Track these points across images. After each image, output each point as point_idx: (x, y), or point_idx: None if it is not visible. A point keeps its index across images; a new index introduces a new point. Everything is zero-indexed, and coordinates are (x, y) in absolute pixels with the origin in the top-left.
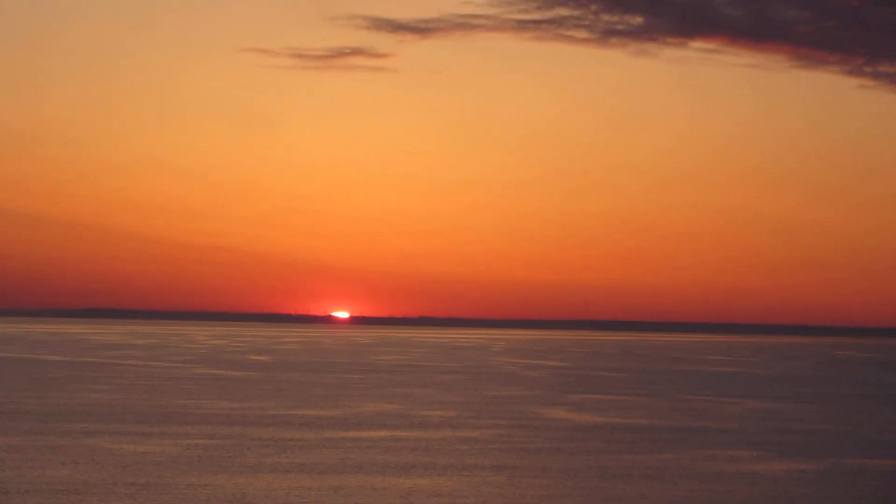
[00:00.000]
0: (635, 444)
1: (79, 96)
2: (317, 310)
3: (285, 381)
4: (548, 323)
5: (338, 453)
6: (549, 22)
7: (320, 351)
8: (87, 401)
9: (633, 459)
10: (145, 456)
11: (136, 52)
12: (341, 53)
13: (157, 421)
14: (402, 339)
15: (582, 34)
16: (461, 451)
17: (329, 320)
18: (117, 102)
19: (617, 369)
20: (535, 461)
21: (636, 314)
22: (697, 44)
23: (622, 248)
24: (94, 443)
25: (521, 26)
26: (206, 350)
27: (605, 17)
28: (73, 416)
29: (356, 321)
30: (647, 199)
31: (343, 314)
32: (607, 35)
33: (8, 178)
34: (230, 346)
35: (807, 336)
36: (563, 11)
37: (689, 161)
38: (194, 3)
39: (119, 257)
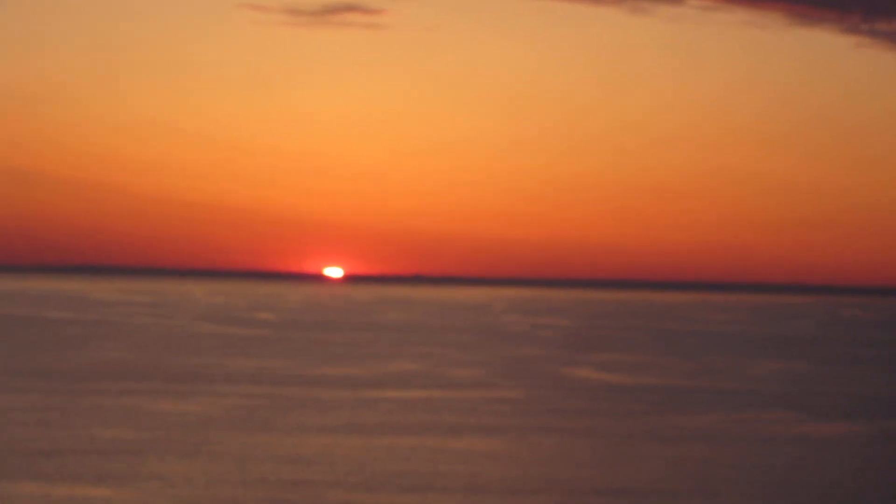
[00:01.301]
0: (676, 406)
1: (77, 55)
2: (310, 267)
3: (299, 339)
4: (542, 281)
5: (378, 414)
6: None
7: (323, 309)
8: (109, 359)
9: (680, 421)
10: (188, 416)
11: (132, 11)
12: (335, 10)
13: (187, 380)
14: (401, 297)
15: None
16: (503, 411)
17: (322, 278)
18: (115, 60)
19: (626, 328)
20: (582, 423)
21: (631, 272)
22: (693, 1)
23: (616, 206)
24: (133, 402)
25: None
26: (209, 307)
27: None
28: (102, 375)
29: (349, 279)
30: (642, 158)
31: (336, 272)
32: None
33: (7, 137)
34: (231, 303)
35: (804, 295)
36: None
37: (684, 119)
38: None
39: (115, 214)
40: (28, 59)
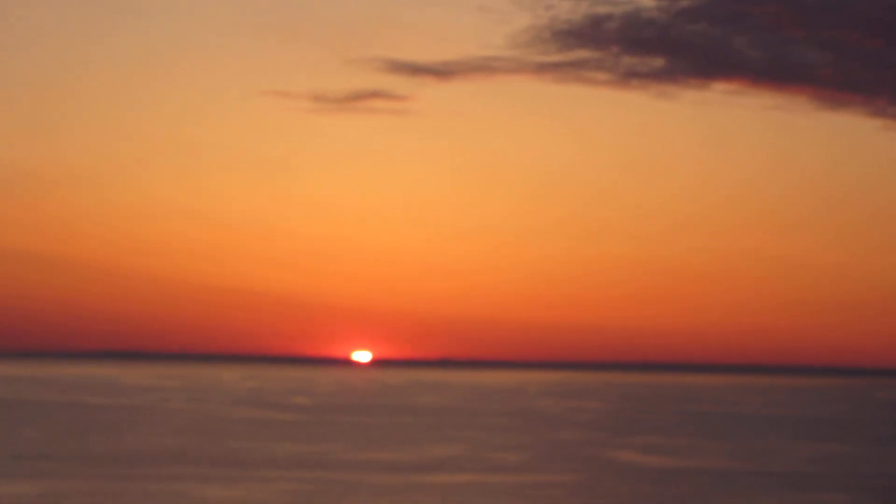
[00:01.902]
0: (729, 489)
1: (96, 139)
2: (337, 352)
3: (339, 423)
4: (568, 364)
5: (431, 498)
6: (570, 64)
7: (356, 393)
8: (154, 445)
9: None
10: (241, 501)
11: (154, 95)
12: (360, 96)
13: (232, 464)
14: (431, 381)
15: (602, 76)
16: (556, 496)
17: (349, 362)
18: (135, 145)
19: (659, 411)
20: None
21: (656, 355)
22: (719, 85)
23: (641, 289)
24: (182, 488)
25: (542, 68)
26: (243, 392)
27: (626, 59)
28: (148, 461)
29: (377, 363)
30: (667, 242)
31: (364, 356)
32: (628, 77)
33: (25, 221)
34: (264, 387)
35: (829, 377)
36: (583, 53)
37: (710, 203)
38: (212, 46)
39: (136, 299)
40: (47, 144)
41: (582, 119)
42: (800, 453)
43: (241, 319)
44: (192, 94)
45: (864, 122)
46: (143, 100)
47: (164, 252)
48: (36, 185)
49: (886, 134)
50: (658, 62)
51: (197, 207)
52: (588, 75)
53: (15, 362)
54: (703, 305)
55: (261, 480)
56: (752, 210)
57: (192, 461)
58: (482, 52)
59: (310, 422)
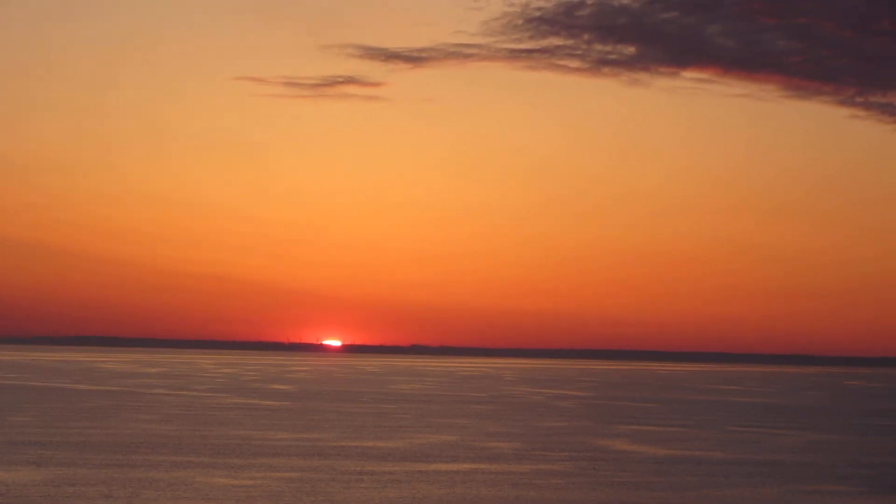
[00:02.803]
0: (727, 478)
1: (71, 126)
2: (309, 338)
3: (325, 410)
4: (543, 352)
5: (437, 487)
6: (542, 51)
7: (335, 380)
8: (146, 431)
9: (741, 494)
10: (249, 490)
11: (128, 82)
12: (334, 82)
13: (232, 453)
14: (405, 367)
15: (575, 63)
16: (560, 485)
17: (321, 348)
18: (109, 132)
19: (641, 399)
20: (644, 497)
21: (634, 343)
22: (690, 73)
23: (618, 277)
24: (188, 475)
25: (514, 55)
26: (223, 379)
27: (598, 47)
28: (145, 447)
29: (348, 349)
30: (646, 228)
31: (335, 342)
32: (600, 64)
33: (2, 207)
34: (242, 374)
35: (805, 366)
36: (555, 41)
37: (685, 190)
38: (186, 32)
39: (110, 285)
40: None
41: (554, 106)
42: (786, 442)
43: (213, 305)
44: (166, 79)
45: (834, 110)
46: (116, 84)
47: (136, 238)
48: (9, 171)
49: (856, 122)
50: (630, 50)
51: (170, 193)
52: (560, 62)
53: None
54: (682, 292)
55: (264, 468)
56: (730, 197)
57: (190, 449)
58: (455, 38)
59: (295, 409)
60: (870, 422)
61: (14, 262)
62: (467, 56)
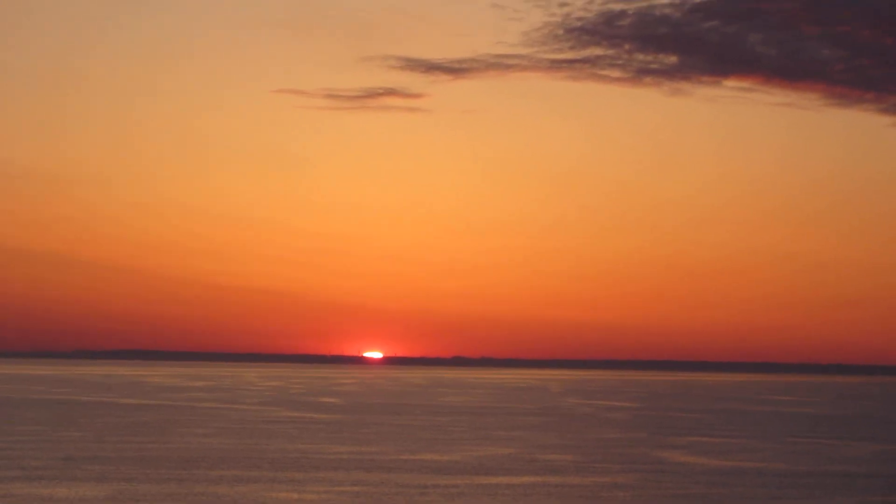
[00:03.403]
0: (799, 491)
1: (107, 138)
2: (350, 350)
3: (378, 423)
4: (583, 363)
5: (505, 500)
6: (583, 61)
7: (382, 392)
8: (202, 446)
9: None
10: None
11: (166, 93)
12: (374, 94)
13: (292, 467)
14: (450, 379)
15: (616, 73)
16: (626, 498)
17: (362, 361)
18: (147, 144)
19: (692, 410)
20: None
21: (672, 353)
22: (732, 83)
23: (655, 286)
24: (250, 490)
25: (555, 66)
26: (271, 392)
27: (639, 57)
28: (205, 463)
29: (389, 361)
30: (681, 238)
31: (376, 354)
32: (641, 74)
33: (35, 220)
34: (289, 387)
35: (846, 375)
36: (596, 51)
37: (724, 199)
38: (226, 43)
39: (150, 299)
40: (57, 143)
41: (596, 116)
42: (849, 453)
43: (253, 318)
44: (205, 91)
45: (876, 118)
46: (154, 96)
47: (176, 251)
48: (46, 184)
49: None
50: (671, 59)
51: (210, 206)
52: (601, 72)
53: (31, 362)
54: (716, 302)
55: (327, 483)
56: (766, 206)
57: (250, 463)
58: (496, 49)
59: (348, 422)
60: None
61: (53, 275)
62: (508, 67)
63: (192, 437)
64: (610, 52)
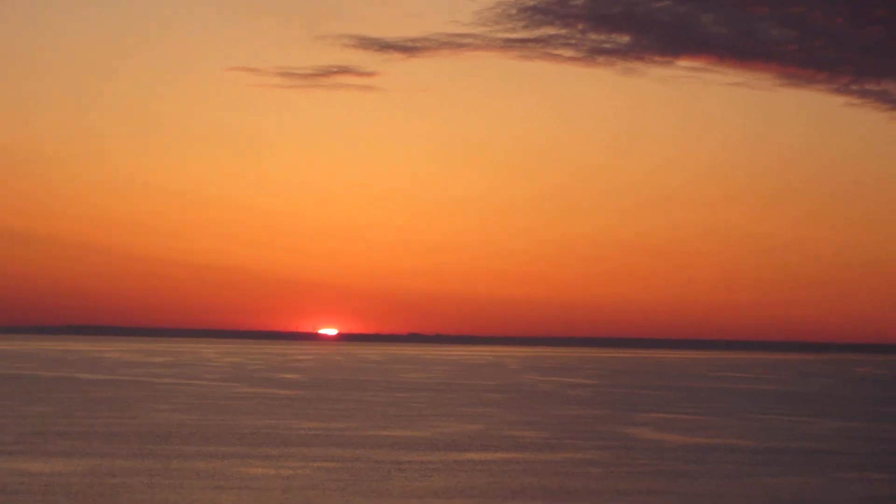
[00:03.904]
0: (764, 466)
1: (65, 116)
2: (305, 327)
3: (341, 399)
4: (539, 340)
5: (481, 476)
6: (536, 41)
7: (341, 368)
8: (170, 421)
9: (787, 483)
10: (290, 480)
11: (121, 71)
12: (329, 72)
13: (263, 442)
14: (408, 356)
15: (569, 53)
16: (598, 475)
17: (317, 337)
18: (103, 122)
19: (652, 387)
20: (687, 485)
21: (629, 331)
22: (684, 62)
23: (613, 266)
24: (225, 466)
25: (508, 45)
26: (229, 368)
27: (592, 36)
28: (175, 438)
29: (345, 338)
30: (639, 219)
31: (331, 331)
32: (594, 54)
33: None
34: (247, 363)
35: (803, 353)
36: (549, 30)
37: (680, 179)
38: (180, 22)
39: (106, 275)
40: (14, 120)
41: (550, 95)
42: (814, 430)
43: (209, 295)
44: (160, 69)
45: (829, 98)
46: (110, 75)
47: (130, 228)
48: (3, 161)
49: (851, 110)
50: (624, 39)
51: (164, 183)
52: (555, 52)
53: None
54: (674, 281)
55: (300, 458)
56: (724, 186)
57: (221, 439)
58: (449, 28)
59: (311, 398)
60: (886, 409)
61: (8, 251)
62: (461, 46)
63: (158, 412)
64: (563, 31)
